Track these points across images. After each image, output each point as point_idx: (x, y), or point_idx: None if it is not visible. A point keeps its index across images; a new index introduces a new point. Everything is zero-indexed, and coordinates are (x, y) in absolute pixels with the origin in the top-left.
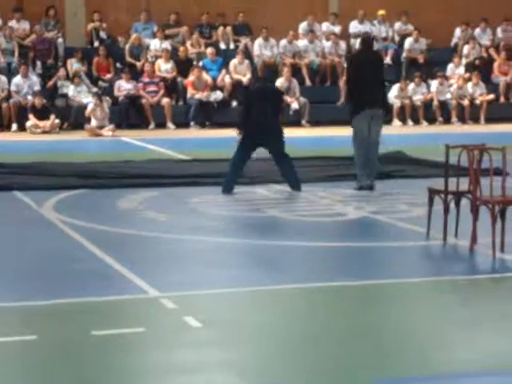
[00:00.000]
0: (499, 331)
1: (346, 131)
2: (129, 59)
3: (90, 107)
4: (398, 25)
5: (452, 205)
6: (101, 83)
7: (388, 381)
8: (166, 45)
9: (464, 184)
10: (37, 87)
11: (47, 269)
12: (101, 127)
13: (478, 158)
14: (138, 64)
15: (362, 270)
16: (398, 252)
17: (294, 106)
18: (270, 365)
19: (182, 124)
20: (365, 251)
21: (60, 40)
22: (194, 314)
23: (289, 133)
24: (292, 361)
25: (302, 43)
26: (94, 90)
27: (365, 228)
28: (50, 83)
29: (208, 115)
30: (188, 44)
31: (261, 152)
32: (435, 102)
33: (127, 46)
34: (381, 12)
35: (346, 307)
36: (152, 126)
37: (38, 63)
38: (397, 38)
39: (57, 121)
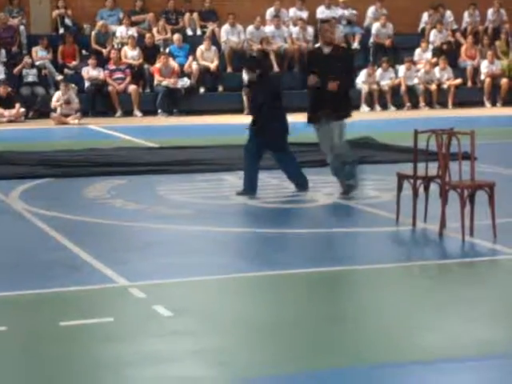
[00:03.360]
0: (469, 316)
1: None
2: (95, 46)
3: (56, 95)
4: (371, 10)
5: (421, 190)
6: (66, 70)
7: (357, 368)
8: (133, 31)
9: (433, 169)
10: (1, 76)
11: (14, 259)
12: (67, 115)
13: (447, 142)
14: (104, 51)
15: (332, 256)
16: (367, 238)
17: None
18: (242, 353)
19: (149, 111)
20: (335, 237)
21: (22, 27)
22: (164, 303)
23: None
24: (264, 349)
25: (268, 29)
26: (60, 77)
27: (334, 214)
28: (16, 71)
29: (175, 102)
30: (154, 31)
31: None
32: (403, 87)
33: (93, 33)
34: None
35: (317, 294)
36: (119, 113)
37: (3, 51)
38: (367, 23)
39: (22, 109)
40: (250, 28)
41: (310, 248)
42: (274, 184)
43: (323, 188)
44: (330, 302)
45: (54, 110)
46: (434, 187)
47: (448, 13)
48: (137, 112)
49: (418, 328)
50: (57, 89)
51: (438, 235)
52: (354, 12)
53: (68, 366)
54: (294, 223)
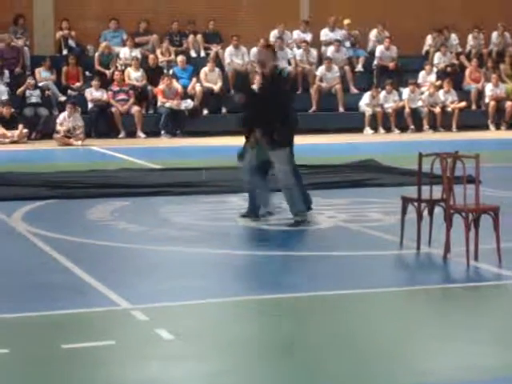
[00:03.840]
0: (473, 341)
1: (320, 139)
2: (98, 67)
3: (61, 117)
4: (373, 33)
5: (425, 213)
6: (70, 92)
7: None
8: (136, 53)
9: (437, 192)
10: (4, 96)
11: (17, 281)
12: (69, 136)
13: (452, 166)
14: (108, 72)
15: (335, 279)
16: (371, 261)
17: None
18: (245, 377)
19: (152, 133)
20: (338, 260)
21: (26, 48)
22: (166, 326)
23: None
24: (266, 372)
25: None
26: (63, 98)
27: (337, 237)
28: (19, 92)
29: (179, 124)
30: (158, 52)
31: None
32: (407, 110)
33: (97, 54)
34: (346, 21)
35: (319, 317)
36: (122, 134)
37: (6, 72)
38: (370, 46)
39: (25, 130)
40: (254, 50)
41: (313, 271)
42: (282, 208)
43: (326, 211)
44: (331, 325)
45: (57, 132)
46: (438, 211)
47: (452, 36)
48: (140, 133)
49: (421, 352)
50: (60, 110)
51: (442, 259)
52: (357, 32)
53: None
54: (296, 246)
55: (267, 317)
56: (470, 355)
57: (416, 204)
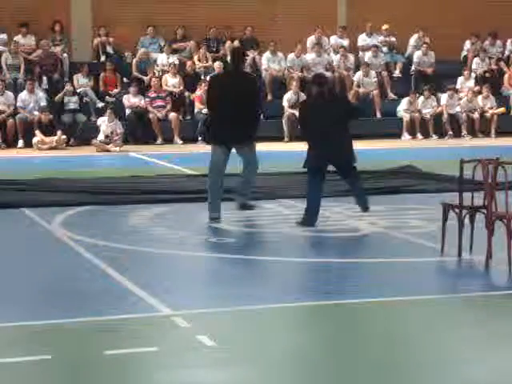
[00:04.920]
0: None
1: (357, 145)
2: (136, 74)
3: (101, 120)
4: (414, 38)
5: (466, 220)
6: (108, 98)
7: None
8: (174, 59)
9: (478, 199)
10: (43, 103)
11: (58, 287)
12: (108, 143)
13: (494, 172)
14: (145, 78)
15: (375, 286)
16: (412, 268)
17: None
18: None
19: (189, 139)
20: (379, 267)
21: (65, 55)
22: (208, 332)
23: (297, 147)
24: (310, 379)
25: (309, 57)
26: (101, 104)
27: (378, 244)
28: (57, 98)
29: None
30: (195, 58)
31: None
32: (445, 116)
33: (134, 61)
34: (385, 26)
35: (360, 325)
36: (159, 140)
37: (44, 78)
38: (408, 51)
39: (63, 136)
40: (291, 56)
41: (354, 278)
42: (323, 215)
43: (367, 217)
44: (372, 333)
45: (95, 137)
46: (479, 218)
47: (490, 41)
48: (177, 139)
49: (462, 361)
50: (97, 116)
51: (483, 266)
52: (394, 39)
53: None
54: (337, 253)
55: (310, 323)
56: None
57: (457, 211)
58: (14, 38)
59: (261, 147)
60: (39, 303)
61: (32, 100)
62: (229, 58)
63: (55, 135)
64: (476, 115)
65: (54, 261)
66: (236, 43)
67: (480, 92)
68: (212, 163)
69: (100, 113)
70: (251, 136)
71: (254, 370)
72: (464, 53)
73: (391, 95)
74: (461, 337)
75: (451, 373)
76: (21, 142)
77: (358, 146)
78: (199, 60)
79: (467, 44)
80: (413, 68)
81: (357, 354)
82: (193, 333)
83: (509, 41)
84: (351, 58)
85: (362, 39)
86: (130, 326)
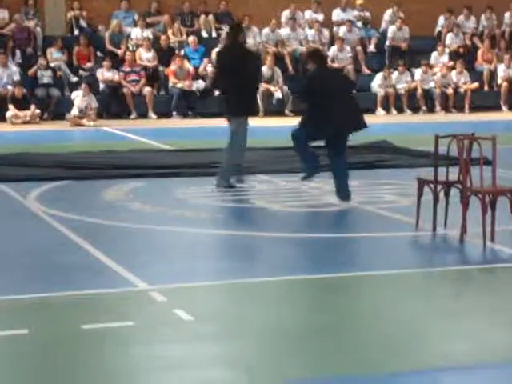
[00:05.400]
0: (489, 323)
1: None
2: (109, 47)
3: (75, 95)
4: (388, 13)
5: (441, 195)
6: (81, 72)
7: (379, 375)
8: (148, 33)
9: (453, 174)
10: (16, 77)
11: (33, 262)
12: (81, 117)
13: (468, 147)
14: (119, 52)
15: (350, 261)
16: (387, 243)
17: (278, 95)
18: (264, 358)
19: (163, 113)
20: (353, 242)
21: (38, 29)
22: (184, 307)
23: (272, 122)
24: (285, 354)
25: (284, 31)
26: (74, 79)
27: (353, 219)
28: (31, 72)
29: (190, 105)
30: (169, 33)
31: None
32: (419, 91)
33: (107, 34)
34: (359, 1)
35: (335, 299)
36: (134, 115)
37: (18, 52)
38: (383, 26)
39: (37, 111)
40: (266, 30)
41: (330, 253)
42: (292, 188)
43: None
44: (349, 308)
45: (69, 112)
46: (454, 193)
47: (464, 16)
48: (151, 114)
49: (437, 334)
50: (71, 90)
51: (458, 241)
52: (368, 14)
53: (88, 370)
54: (312, 227)
55: (284, 298)
56: (488, 336)
57: (432, 186)
58: None
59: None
60: (14, 278)
61: (5, 74)
62: (227, 34)
63: (29, 110)
64: (450, 90)
65: (30, 236)
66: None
67: (454, 67)
68: (237, 137)
69: (74, 87)
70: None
71: (232, 344)
72: (438, 28)
73: (366, 70)
74: (436, 310)
75: (427, 345)
76: None
77: None
78: (173, 34)
79: (441, 19)
80: (387, 43)
81: (334, 329)
82: (169, 307)
83: (483, 16)
84: (326, 32)
85: (337, 14)
86: (107, 300)
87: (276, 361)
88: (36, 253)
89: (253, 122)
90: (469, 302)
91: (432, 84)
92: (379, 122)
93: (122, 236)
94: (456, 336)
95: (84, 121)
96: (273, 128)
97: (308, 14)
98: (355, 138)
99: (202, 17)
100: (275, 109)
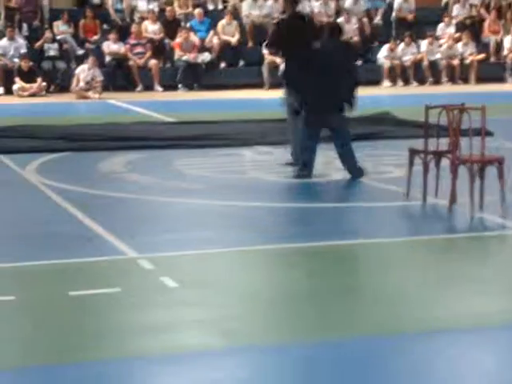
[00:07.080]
0: (476, 290)
1: None
2: (115, 18)
3: (81, 68)
4: None
5: (432, 165)
6: (88, 45)
7: (361, 339)
8: (153, 5)
9: (445, 145)
10: (23, 50)
11: (26, 231)
12: (87, 89)
13: (458, 118)
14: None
15: (342, 230)
16: (377, 212)
17: (283, 67)
18: (248, 324)
19: (169, 86)
20: (345, 212)
21: (45, 2)
22: (172, 274)
23: (277, 94)
24: (269, 320)
25: None
26: (80, 52)
27: (346, 189)
28: (37, 45)
29: (196, 77)
30: (175, 5)
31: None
32: (425, 62)
33: (113, 6)
34: None
35: (325, 267)
36: (139, 88)
37: (24, 25)
38: None
39: (43, 83)
40: (270, 2)
41: (320, 222)
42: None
43: (337, 163)
44: (338, 275)
45: (76, 84)
46: (446, 163)
47: None
48: (157, 87)
49: (426, 300)
50: (77, 63)
51: (447, 210)
52: None
53: (75, 335)
54: (304, 198)
55: (272, 266)
56: (475, 303)
57: (422, 156)
58: None
59: (241, 94)
60: (5, 246)
61: (12, 47)
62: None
63: (35, 82)
64: (456, 62)
65: (24, 205)
66: None
67: (460, 39)
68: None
69: (80, 60)
70: None
71: (216, 310)
72: None
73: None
74: (423, 278)
75: (414, 312)
76: (1, 89)
77: None
78: (179, 7)
79: None
80: (393, 14)
81: (322, 295)
82: (157, 275)
83: None
84: (332, 4)
85: None
86: (95, 268)
87: (257, 327)
88: (28, 222)
89: (258, 94)
90: (455, 270)
91: (438, 55)
92: (385, 94)
93: (115, 206)
94: (442, 302)
95: (90, 93)
96: (277, 100)
97: None
98: (359, 111)
99: None
100: (281, 81)
